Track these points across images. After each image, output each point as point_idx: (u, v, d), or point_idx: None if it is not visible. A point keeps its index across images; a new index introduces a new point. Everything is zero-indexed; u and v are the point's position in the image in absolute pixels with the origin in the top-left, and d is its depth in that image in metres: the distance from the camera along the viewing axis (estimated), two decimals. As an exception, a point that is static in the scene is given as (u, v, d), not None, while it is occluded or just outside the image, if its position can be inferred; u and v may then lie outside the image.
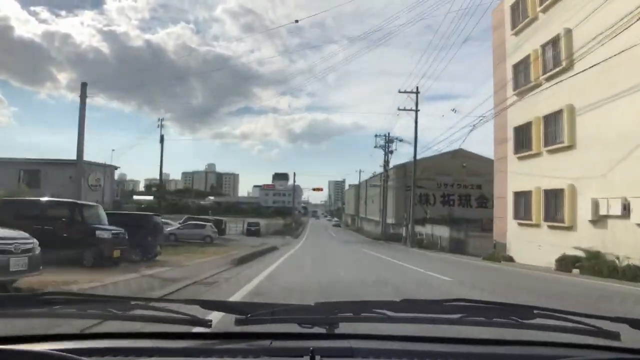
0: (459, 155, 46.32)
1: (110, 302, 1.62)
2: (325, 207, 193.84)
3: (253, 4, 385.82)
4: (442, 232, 33.17)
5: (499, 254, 21.52)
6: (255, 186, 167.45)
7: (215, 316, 1.75)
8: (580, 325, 1.46)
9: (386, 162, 47.90)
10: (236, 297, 7.09)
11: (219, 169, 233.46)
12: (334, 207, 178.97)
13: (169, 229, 32.57)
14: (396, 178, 48.15)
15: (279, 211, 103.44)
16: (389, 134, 47.40)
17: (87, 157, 23.36)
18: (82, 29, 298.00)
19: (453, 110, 26.05)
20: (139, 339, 1.49)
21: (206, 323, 1.45)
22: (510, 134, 21.59)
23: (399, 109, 37.24)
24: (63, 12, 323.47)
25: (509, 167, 21.80)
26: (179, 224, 34.98)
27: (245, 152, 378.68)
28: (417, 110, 36.81)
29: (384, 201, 48.86)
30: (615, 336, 1.44)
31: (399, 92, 36.92)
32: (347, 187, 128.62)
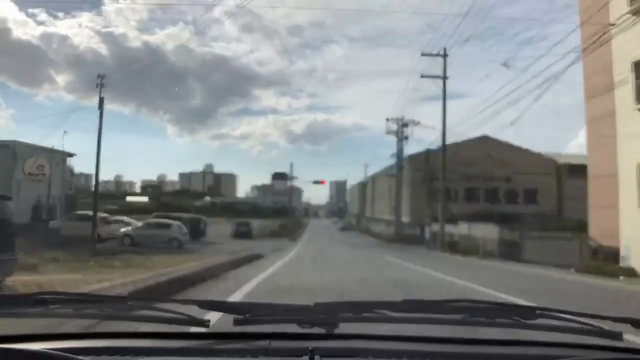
0: (484, 142, 38.42)
1: (107, 301, 1.63)
2: (326, 209, 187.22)
3: (252, 4, 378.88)
4: (486, 231, 24.95)
5: (606, 265, 13.40)
6: (253, 186, 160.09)
7: (213, 316, 1.60)
8: (583, 326, 1.44)
9: (399, 151, 39.77)
10: None
11: (219, 170, 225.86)
12: (336, 207, 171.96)
13: (123, 229, 24.64)
14: (413, 169, 40.14)
15: (278, 212, 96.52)
16: (402, 117, 39.23)
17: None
18: (80, 30, 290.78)
19: (504, 65, 17.49)
20: (136, 339, 1.45)
21: (204, 323, 1.42)
22: (626, 75, 13.45)
23: (422, 76, 29.12)
24: (61, 14, 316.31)
25: (621, 126, 13.67)
26: (144, 223, 26.90)
27: (245, 153, 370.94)
28: (445, 78, 28.81)
29: (398, 197, 40.69)
30: (618, 336, 1.40)
31: (422, 54, 28.89)
32: (348, 187, 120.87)
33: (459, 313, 1.48)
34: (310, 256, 19.36)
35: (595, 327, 1.41)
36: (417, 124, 37.41)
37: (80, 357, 1.11)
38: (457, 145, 34.54)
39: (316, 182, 35.91)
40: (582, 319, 1.44)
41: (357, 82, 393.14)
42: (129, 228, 24.56)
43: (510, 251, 21.82)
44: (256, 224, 44.57)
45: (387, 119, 39.46)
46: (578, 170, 23.74)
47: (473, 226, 27.11)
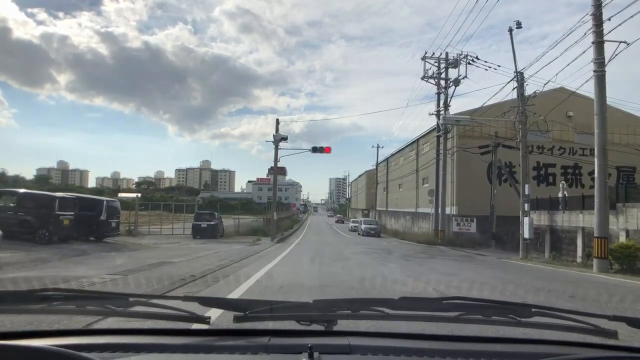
0: (560, 96, 23.77)
1: (110, 298, 1.54)
2: (326, 207, 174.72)
3: (250, 5, 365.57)
4: None
5: None
6: (249, 181, 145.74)
7: (214, 313, 1.58)
8: (579, 324, 1.39)
9: (444, 105, 25.18)
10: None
11: (217, 166, 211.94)
12: (336, 203, 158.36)
13: None
14: (461, 135, 25.84)
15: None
16: (447, 53, 24.62)
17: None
18: (80, 30, 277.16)
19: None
20: (138, 335, 1.41)
21: (205, 320, 1.41)
22: None
23: None
24: (61, 14, 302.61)
25: None
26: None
27: (245, 151, 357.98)
28: None
29: (441, 177, 26.10)
30: (613, 334, 1.37)
31: None
32: (351, 180, 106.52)
33: (455, 311, 1.42)
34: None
35: (591, 325, 1.37)
36: (472, 60, 22.69)
37: (83, 354, 1.07)
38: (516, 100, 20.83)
39: (317, 150, 21.41)
40: (578, 317, 1.40)
41: (356, 82, 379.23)
42: None
43: None
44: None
45: (425, 58, 24.74)
46: None
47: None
